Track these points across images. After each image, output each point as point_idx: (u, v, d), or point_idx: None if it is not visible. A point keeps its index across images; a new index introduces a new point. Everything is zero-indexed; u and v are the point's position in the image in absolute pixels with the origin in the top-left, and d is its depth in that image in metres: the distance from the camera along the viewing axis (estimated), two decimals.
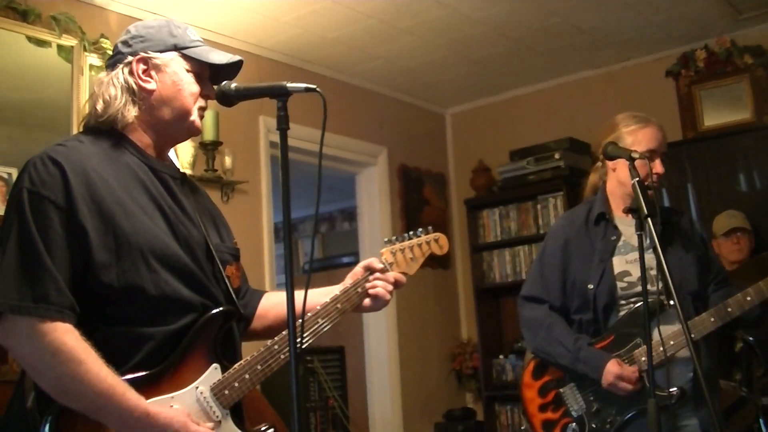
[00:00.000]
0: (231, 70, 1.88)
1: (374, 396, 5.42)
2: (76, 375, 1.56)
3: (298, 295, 1.59)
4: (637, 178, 2.30)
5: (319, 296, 1.97)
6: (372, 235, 5.55)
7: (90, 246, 1.64)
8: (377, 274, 2.03)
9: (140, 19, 4.10)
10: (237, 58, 1.88)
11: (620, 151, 2.49)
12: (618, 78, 5.48)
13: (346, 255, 7.77)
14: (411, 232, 2.14)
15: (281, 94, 1.66)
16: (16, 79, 3.65)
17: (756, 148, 4.74)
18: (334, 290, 2.00)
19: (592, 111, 5.43)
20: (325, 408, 4.24)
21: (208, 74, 1.89)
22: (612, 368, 2.54)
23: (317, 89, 1.65)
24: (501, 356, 5.52)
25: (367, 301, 2.02)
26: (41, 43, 3.71)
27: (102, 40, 3.91)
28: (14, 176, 3.49)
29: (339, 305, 1.97)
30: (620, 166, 2.67)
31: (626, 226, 2.69)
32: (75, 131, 3.69)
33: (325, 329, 1.94)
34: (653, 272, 2.58)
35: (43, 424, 1.57)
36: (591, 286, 2.63)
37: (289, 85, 1.66)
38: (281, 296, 1.99)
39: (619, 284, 2.62)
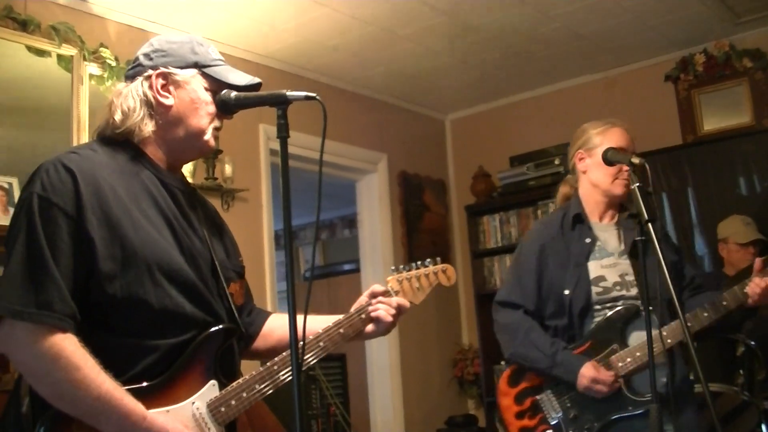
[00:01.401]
0: (250, 91, 1.87)
1: (376, 403, 5.41)
2: (73, 380, 1.56)
3: (300, 311, 1.59)
4: (638, 183, 2.29)
5: (321, 322, 1.97)
6: (372, 242, 5.55)
7: (96, 255, 1.64)
8: (380, 298, 2.02)
9: (140, 29, 4.14)
10: (257, 80, 1.87)
11: (620, 156, 2.50)
12: (617, 83, 5.48)
13: (347, 262, 7.77)
14: (419, 262, 2.12)
15: (281, 103, 1.66)
16: (15, 89, 3.65)
17: (756, 151, 4.74)
18: (338, 317, 1.99)
19: (592, 116, 5.32)
20: (326, 415, 4.23)
21: None
22: (587, 372, 2.53)
23: (317, 97, 1.65)
24: (502, 362, 5.49)
25: (370, 327, 2.01)
26: (41, 52, 3.71)
27: (101, 49, 3.91)
28: (14, 186, 3.48)
29: (342, 330, 1.96)
30: (591, 168, 2.70)
31: (601, 231, 2.70)
32: (75, 140, 3.69)
33: (327, 352, 1.93)
34: (628, 277, 2.59)
35: (37, 430, 1.57)
36: (567, 292, 2.62)
37: (289, 93, 1.66)
38: (286, 318, 1.99)
39: (595, 289, 2.60)
